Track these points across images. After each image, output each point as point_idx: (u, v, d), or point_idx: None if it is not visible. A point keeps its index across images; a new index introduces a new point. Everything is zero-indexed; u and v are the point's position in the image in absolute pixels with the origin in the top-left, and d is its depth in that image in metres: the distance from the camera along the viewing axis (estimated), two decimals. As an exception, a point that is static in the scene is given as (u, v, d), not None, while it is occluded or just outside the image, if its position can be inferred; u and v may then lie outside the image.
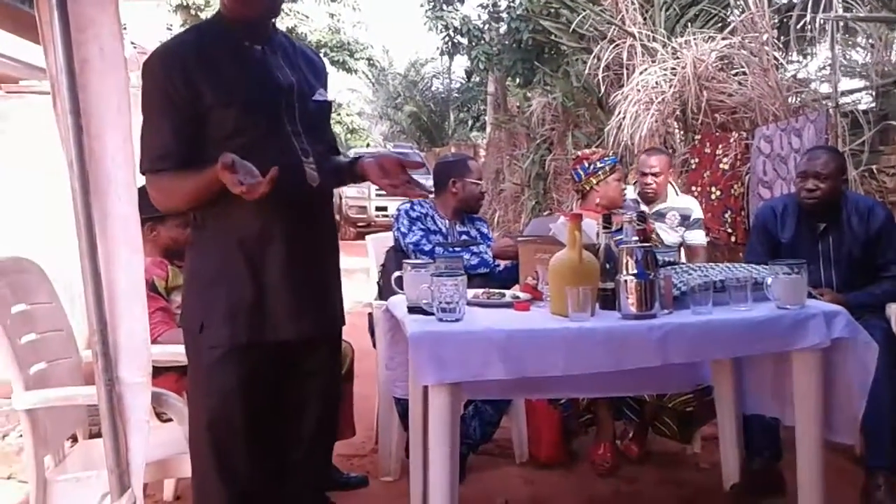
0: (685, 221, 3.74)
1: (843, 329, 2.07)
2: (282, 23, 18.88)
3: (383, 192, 11.17)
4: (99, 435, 1.83)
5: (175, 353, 2.16)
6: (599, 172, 3.23)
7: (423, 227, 3.10)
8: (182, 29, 12.78)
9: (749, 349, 2.13)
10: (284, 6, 15.52)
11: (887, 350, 2.63)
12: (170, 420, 2.29)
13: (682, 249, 3.79)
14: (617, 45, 7.13)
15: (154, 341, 2.35)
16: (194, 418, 1.84)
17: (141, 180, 1.80)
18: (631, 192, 3.79)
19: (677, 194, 3.81)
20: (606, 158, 3.29)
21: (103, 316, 1.76)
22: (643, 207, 3.63)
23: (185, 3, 17.62)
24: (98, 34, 1.75)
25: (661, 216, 3.72)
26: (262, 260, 1.77)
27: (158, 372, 2.34)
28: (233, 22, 1.81)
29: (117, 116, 1.77)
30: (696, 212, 3.81)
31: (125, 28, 6.51)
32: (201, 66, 1.73)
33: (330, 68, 22.06)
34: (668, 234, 3.70)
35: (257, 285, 1.77)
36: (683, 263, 2.46)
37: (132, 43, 6.75)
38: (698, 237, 3.80)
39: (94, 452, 2.02)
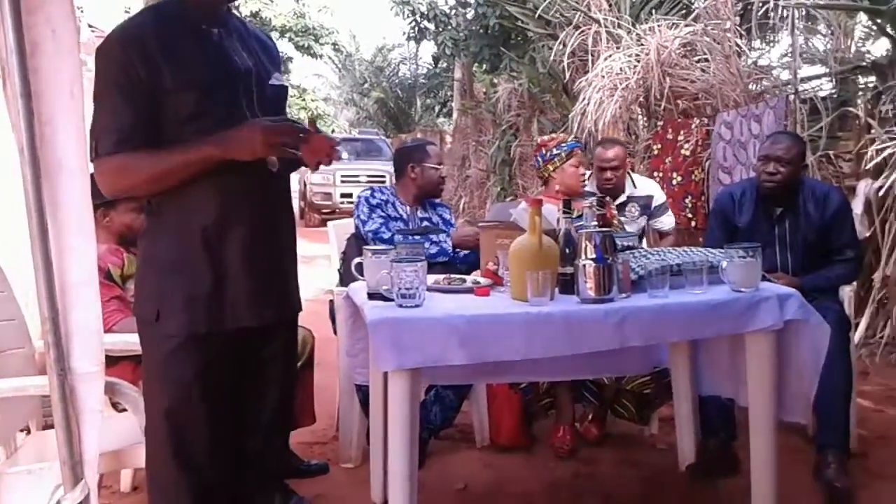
0: (647, 210, 3.73)
1: (795, 311, 2.10)
2: (245, 7, 18.63)
3: (349, 178, 11.08)
4: (52, 426, 1.80)
5: (131, 342, 2.12)
6: (556, 159, 3.23)
7: (383, 213, 3.08)
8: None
9: (704, 331, 2.17)
10: (248, -10, 15.25)
11: (840, 331, 2.69)
12: (125, 410, 2.26)
13: (649, 236, 3.81)
14: (582, 32, 7.15)
15: (109, 330, 2.32)
16: (150, 408, 1.82)
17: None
18: (589, 186, 3.73)
19: (635, 186, 3.78)
20: (563, 144, 3.27)
21: (55, 305, 1.71)
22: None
23: (145, -14, 17.27)
24: (49, 16, 1.69)
25: (620, 208, 3.70)
26: (221, 246, 1.75)
27: (114, 361, 2.31)
28: (190, 4, 1.78)
29: (70, 101, 1.72)
30: (659, 196, 3.80)
31: (81, 11, 6.36)
32: (160, 48, 1.69)
33: (295, 53, 21.88)
34: (629, 226, 3.68)
35: (216, 272, 1.75)
36: (642, 248, 2.48)
37: (89, 26, 6.60)
38: (667, 221, 3.81)
39: (47, 444, 1.99)
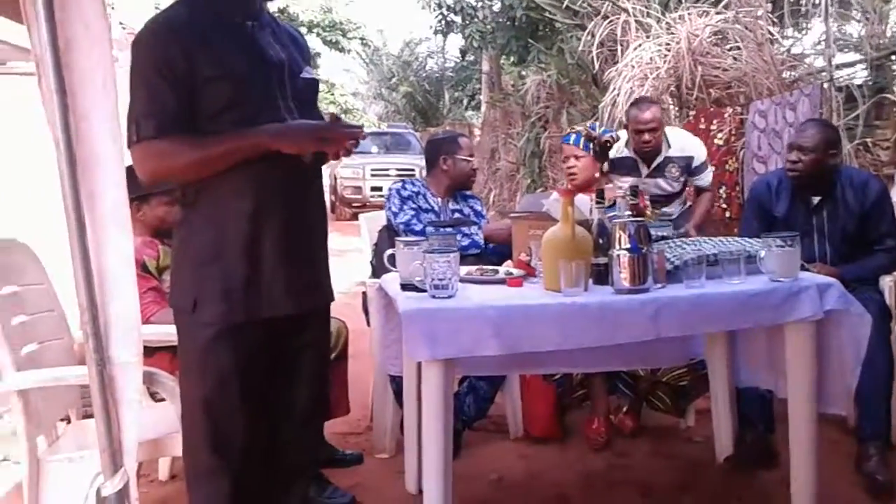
0: (687, 171, 3.68)
1: (836, 301, 2.07)
2: (273, 3, 18.64)
3: (379, 172, 11.14)
4: (92, 415, 1.82)
5: (168, 332, 2.14)
6: (563, 153, 3.18)
7: (414, 205, 3.09)
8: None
9: (742, 322, 2.14)
10: (276, -15, 15.29)
11: (881, 322, 2.65)
12: (163, 400, 2.28)
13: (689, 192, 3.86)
14: (611, 22, 7.09)
15: (146, 321, 2.34)
16: (187, 397, 1.83)
17: (128, 159, 1.78)
18: (627, 151, 3.63)
19: (669, 146, 3.66)
20: (567, 135, 3.20)
21: (93, 296, 1.74)
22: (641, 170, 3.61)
23: (175, -16, 17.46)
24: (82, 12, 1.71)
25: (659, 169, 3.65)
26: (257, 236, 1.76)
27: (151, 352, 2.34)
28: None
29: (103, 95, 1.74)
30: (699, 155, 3.73)
31: (112, 7, 6.44)
32: (196, 39, 1.71)
33: (322, 48, 22.01)
34: (670, 186, 3.67)
35: (252, 261, 1.76)
36: (677, 239, 2.45)
37: (120, 23, 6.68)
38: (707, 178, 3.80)
39: (87, 433, 2.02)
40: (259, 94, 1.77)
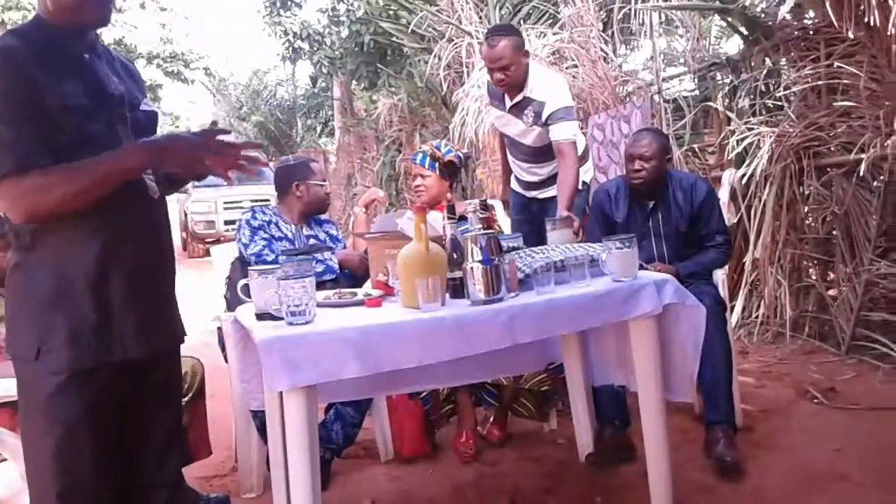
0: (538, 119, 3.37)
1: (672, 295, 2.20)
2: (109, 33, 17.95)
3: (232, 204, 10.74)
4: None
5: (7, 387, 2.00)
6: (412, 172, 3.25)
7: (266, 234, 3.02)
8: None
9: (590, 322, 2.23)
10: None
11: (717, 313, 2.84)
12: (3, 461, 2.11)
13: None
14: (456, 45, 7.29)
15: (-23, 378, 2.17)
16: (33, 451, 1.71)
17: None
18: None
19: (529, 86, 3.36)
20: (415, 154, 3.26)
21: None
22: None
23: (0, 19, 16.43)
24: None
25: (518, 108, 3.44)
26: (105, 276, 1.68)
27: (-12, 410, 2.17)
28: (56, 29, 1.70)
29: None
30: (550, 102, 3.31)
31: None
32: (38, 70, 1.61)
33: (164, 79, 21.19)
34: (527, 126, 3.42)
35: (101, 304, 1.68)
36: (526, 248, 2.53)
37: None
38: (556, 131, 3.32)
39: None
40: (102, 127, 1.70)
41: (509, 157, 3.81)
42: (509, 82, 3.35)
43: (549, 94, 3.35)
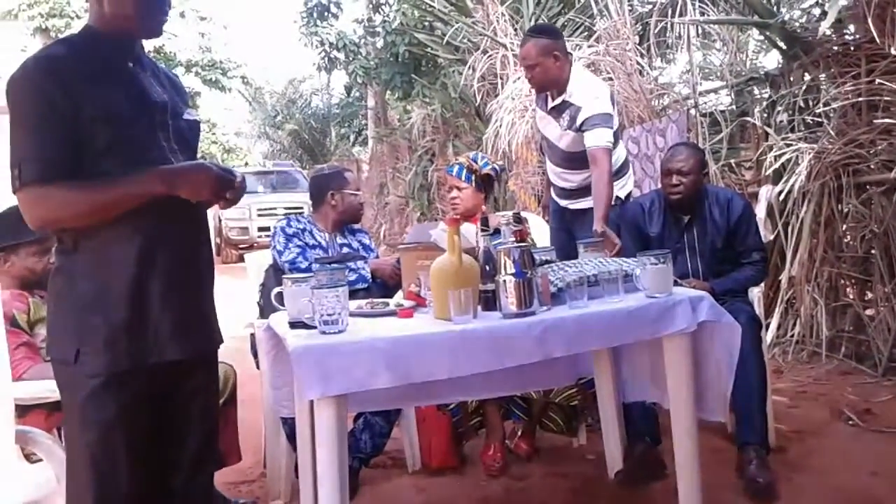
0: (573, 124, 3.34)
1: (707, 313, 2.18)
2: (149, 42, 18.25)
3: (266, 211, 10.93)
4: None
5: (43, 388, 2.04)
6: (447, 184, 3.23)
7: (300, 242, 3.05)
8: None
9: (623, 338, 2.21)
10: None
11: (752, 331, 2.80)
12: (40, 461, 2.15)
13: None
14: (490, 56, 7.31)
15: (19, 378, 2.22)
16: (73, 452, 1.73)
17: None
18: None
19: (568, 90, 3.34)
20: (451, 166, 3.22)
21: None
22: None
23: (43, 27, 16.78)
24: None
25: (557, 111, 3.42)
26: (143, 280, 1.70)
27: (24, 410, 2.21)
28: (105, 37, 1.75)
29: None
30: (586, 108, 3.27)
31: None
32: (77, 78, 1.65)
33: (202, 87, 21.48)
34: (562, 130, 3.40)
35: (138, 307, 1.70)
36: (559, 262, 2.52)
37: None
38: (589, 138, 3.26)
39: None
40: (142, 135, 1.73)
41: (546, 162, 3.78)
42: (534, 82, 3.43)
43: (587, 99, 3.31)
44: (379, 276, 3.08)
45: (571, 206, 3.62)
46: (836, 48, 4.57)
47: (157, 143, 1.75)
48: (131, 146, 1.69)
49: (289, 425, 2.69)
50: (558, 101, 3.41)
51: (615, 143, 3.41)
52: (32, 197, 1.64)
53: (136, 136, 1.71)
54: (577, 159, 3.45)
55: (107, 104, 1.67)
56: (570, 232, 3.55)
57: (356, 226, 3.33)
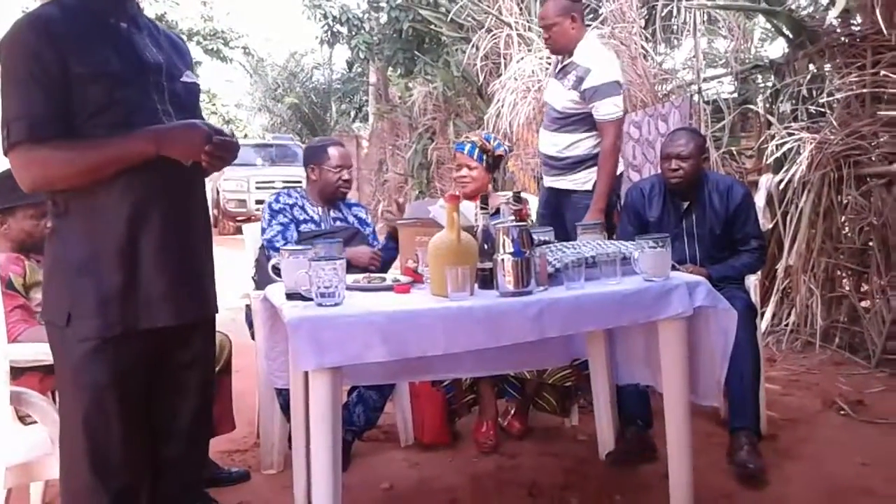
0: (578, 85, 3.32)
1: (704, 298, 2.18)
2: (151, 9, 18.15)
3: (264, 184, 10.89)
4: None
5: (37, 351, 2.04)
6: (455, 161, 3.18)
7: (286, 218, 3.02)
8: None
9: (618, 320, 2.21)
10: (154, -8, 14.91)
11: (747, 319, 2.81)
12: (33, 423, 2.15)
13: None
14: (494, 35, 7.26)
15: (13, 340, 2.21)
16: (66, 415, 1.74)
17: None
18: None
19: (575, 53, 3.36)
20: (462, 143, 3.17)
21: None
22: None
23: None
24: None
25: (563, 73, 3.43)
26: (134, 243, 1.69)
27: (20, 372, 2.21)
28: None
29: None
30: (595, 73, 3.26)
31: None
32: (69, 38, 1.63)
33: (203, 57, 21.37)
34: (566, 92, 3.39)
35: (129, 271, 1.69)
36: (558, 243, 2.52)
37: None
38: (599, 108, 3.29)
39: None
40: (135, 95, 1.71)
41: (541, 133, 3.73)
42: (551, 43, 3.47)
43: (597, 63, 3.32)
44: (356, 265, 2.88)
45: (556, 185, 3.57)
46: (842, 38, 4.55)
47: (150, 105, 1.73)
48: (123, 107, 1.68)
49: (283, 396, 2.70)
50: (566, 61, 3.43)
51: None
52: (22, 157, 1.63)
53: (129, 96, 1.69)
54: (568, 122, 3.46)
55: (98, 64, 1.65)
56: (555, 217, 3.51)
57: (352, 200, 3.31)
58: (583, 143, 3.44)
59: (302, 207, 3.10)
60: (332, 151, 3.15)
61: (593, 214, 3.25)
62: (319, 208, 3.14)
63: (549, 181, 3.63)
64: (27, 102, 1.61)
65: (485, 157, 3.07)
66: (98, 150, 1.63)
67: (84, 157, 1.63)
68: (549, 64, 6.12)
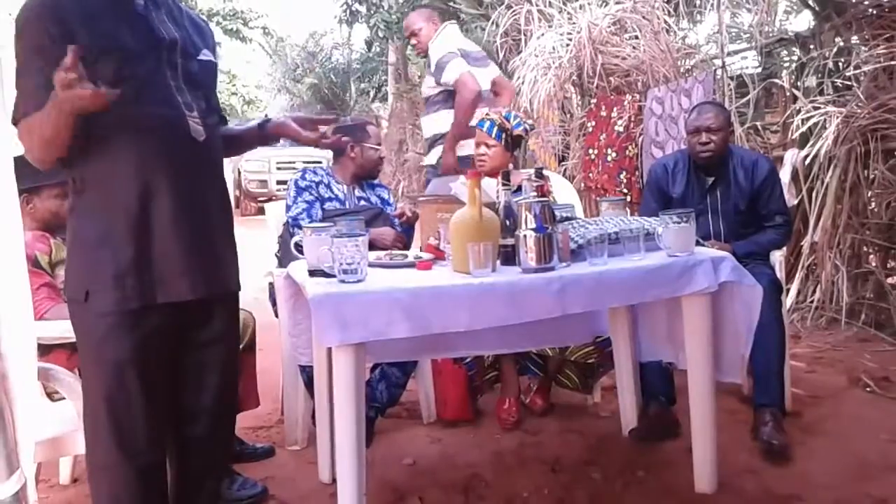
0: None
1: (729, 273, 2.16)
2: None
3: (285, 164, 10.86)
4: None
5: (64, 328, 2.05)
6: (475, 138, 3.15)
7: (311, 196, 3.03)
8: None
9: (642, 296, 2.20)
10: (172, -27, 14.86)
11: (773, 295, 2.78)
12: (61, 399, 2.19)
13: None
14: (514, 12, 7.17)
15: (40, 318, 2.25)
16: (88, 391, 1.76)
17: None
18: None
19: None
20: (482, 121, 3.13)
21: (-19, 292, 1.65)
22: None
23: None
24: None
25: None
26: (148, 217, 1.69)
27: (47, 350, 2.25)
28: None
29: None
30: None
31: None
32: (80, 14, 1.64)
33: (223, 38, 21.26)
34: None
35: (144, 244, 1.69)
36: (580, 218, 2.51)
37: (9, 14, 6.34)
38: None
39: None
40: (148, 72, 1.70)
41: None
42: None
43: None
44: (381, 247, 2.89)
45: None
46: (870, 10, 4.46)
47: (162, 81, 1.73)
48: (136, 82, 1.67)
49: (307, 373, 2.72)
50: None
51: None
52: (21, 132, 1.64)
53: (141, 72, 1.69)
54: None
55: (110, 38, 1.65)
56: None
57: (375, 180, 3.31)
58: None
59: (328, 185, 3.11)
60: (371, 129, 3.23)
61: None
62: (345, 186, 3.14)
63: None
64: (33, 78, 1.61)
65: (504, 135, 3.04)
66: (47, 110, 1.58)
67: (43, 119, 1.59)
68: (570, 40, 6.09)
